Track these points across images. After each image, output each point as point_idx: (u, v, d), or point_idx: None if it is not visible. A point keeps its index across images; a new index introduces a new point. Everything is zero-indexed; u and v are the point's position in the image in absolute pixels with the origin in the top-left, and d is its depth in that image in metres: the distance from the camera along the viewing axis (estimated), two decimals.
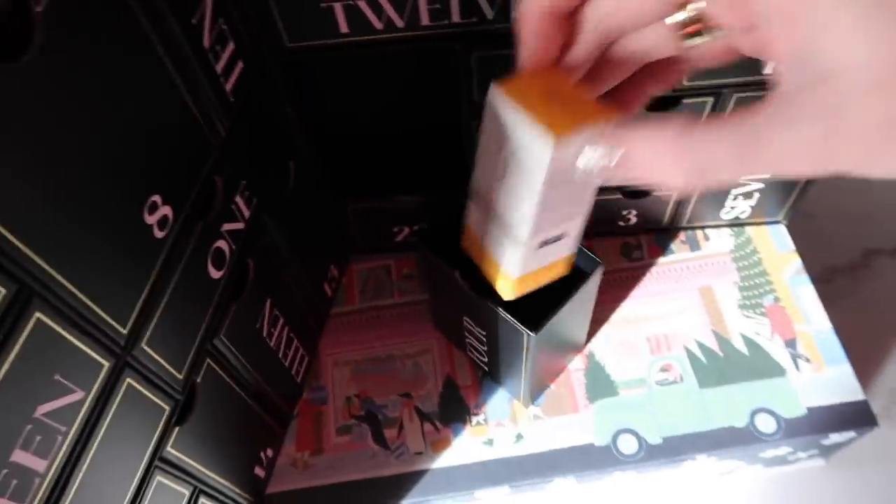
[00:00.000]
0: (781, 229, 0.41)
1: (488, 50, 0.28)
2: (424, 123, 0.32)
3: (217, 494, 0.30)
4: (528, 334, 0.28)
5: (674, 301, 0.39)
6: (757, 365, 0.37)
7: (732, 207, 0.40)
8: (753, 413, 0.35)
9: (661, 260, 0.41)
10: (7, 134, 0.15)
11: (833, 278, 0.46)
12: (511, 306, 0.29)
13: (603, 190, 0.37)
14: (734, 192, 0.38)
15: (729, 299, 0.39)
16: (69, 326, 0.19)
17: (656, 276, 0.40)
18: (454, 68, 0.29)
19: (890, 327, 0.44)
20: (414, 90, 0.31)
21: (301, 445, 0.36)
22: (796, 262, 0.40)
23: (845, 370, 0.36)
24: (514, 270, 0.24)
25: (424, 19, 0.27)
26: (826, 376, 0.36)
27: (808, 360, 0.37)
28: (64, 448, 0.19)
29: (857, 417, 0.35)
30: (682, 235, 0.41)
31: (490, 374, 0.37)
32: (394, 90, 0.31)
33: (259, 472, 0.34)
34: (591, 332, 0.38)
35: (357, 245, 0.42)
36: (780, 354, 0.37)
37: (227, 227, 0.27)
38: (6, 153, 0.16)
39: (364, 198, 0.37)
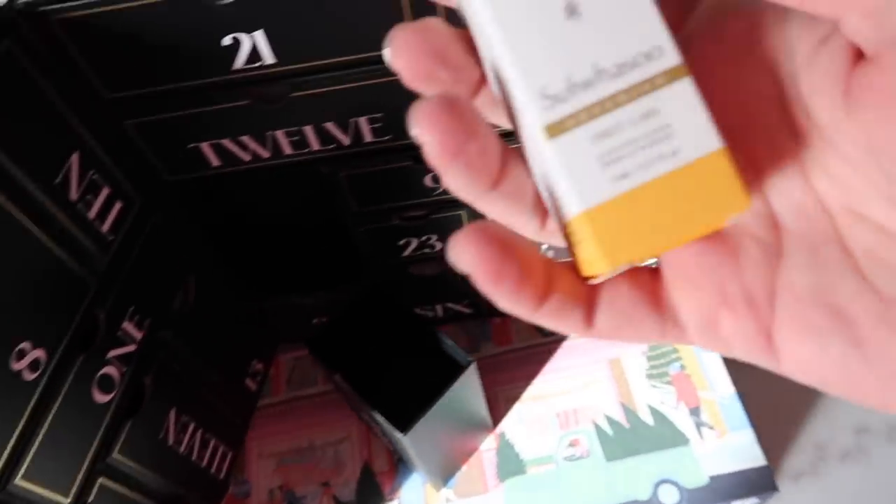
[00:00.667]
0: None
1: (354, 168, 0.31)
2: (317, 225, 0.35)
3: None
4: (400, 435, 0.30)
5: (583, 375, 0.41)
6: (662, 435, 0.38)
7: None
8: (657, 484, 0.36)
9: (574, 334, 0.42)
10: None
11: None
12: (387, 403, 0.30)
13: None
14: None
15: (636, 370, 0.40)
16: None
17: (568, 350, 0.42)
18: (328, 185, 0.32)
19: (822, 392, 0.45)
20: (298, 202, 0.33)
21: None
22: None
23: (748, 436, 0.37)
24: (569, 192, 0.14)
25: (287, 150, 0.29)
26: (729, 443, 0.37)
27: (711, 428, 0.38)
28: None
29: (758, 484, 0.36)
30: None
31: (403, 459, 0.38)
32: (280, 202, 0.33)
33: None
34: (503, 411, 0.40)
35: (284, 335, 0.44)
36: (685, 423, 0.38)
37: (114, 353, 0.29)
38: None
39: (275, 295, 0.40)
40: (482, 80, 0.15)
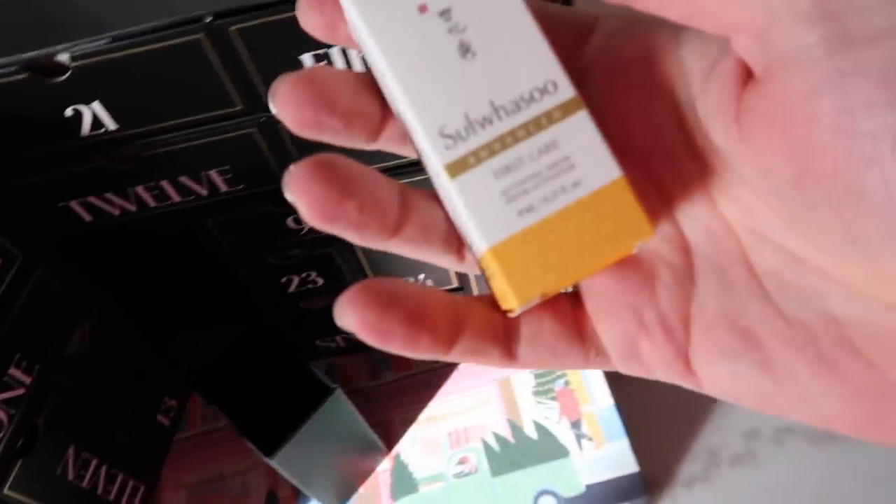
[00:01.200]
0: None
1: (220, 215, 0.33)
2: (204, 267, 0.37)
3: None
4: (269, 459, 0.32)
5: (475, 395, 0.43)
6: (545, 448, 0.40)
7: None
8: (537, 496, 0.38)
9: None
10: None
11: None
12: (259, 430, 0.33)
13: None
14: None
15: (524, 388, 0.43)
16: None
17: (462, 373, 0.44)
18: (199, 232, 0.34)
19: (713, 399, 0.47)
20: (178, 248, 0.36)
21: None
22: None
23: (623, 445, 0.39)
24: (475, 229, 0.14)
25: (151, 203, 0.32)
26: (605, 452, 0.39)
27: (590, 439, 0.40)
28: None
29: (629, 489, 0.38)
30: None
31: None
32: (161, 250, 0.36)
33: None
34: (399, 433, 0.42)
35: (194, 372, 0.46)
36: (566, 436, 0.40)
37: (0, 396, 0.32)
38: None
39: (178, 334, 0.42)
40: (385, 118, 0.15)
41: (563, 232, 0.14)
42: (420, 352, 0.14)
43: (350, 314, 0.14)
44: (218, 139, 0.29)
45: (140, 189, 0.31)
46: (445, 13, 0.14)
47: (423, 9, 0.14)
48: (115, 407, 0.39)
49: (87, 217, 0.32)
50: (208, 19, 0.25)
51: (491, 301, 0.15)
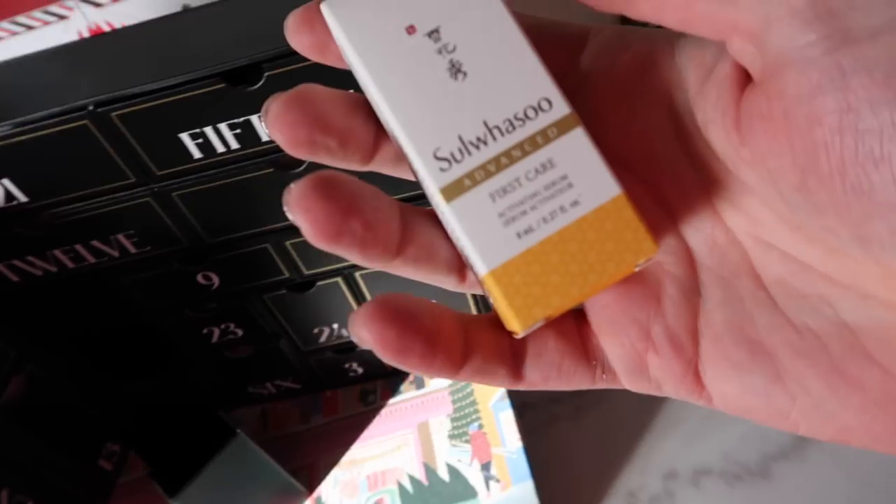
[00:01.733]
0: None
1: (133, 274, 0.37)
2: (125, 322, 0.41)
3: None
4: (172, 499, 0.35)
5: (395, 439, 0.45)
6: (456, 490, 0.42)
7: None
8: None
9: (391, 401, 0.47)
10: None
11: (586, 393, 0.51)
12: (168, 474, 0.35)
13: (316, 352, 0.44)
14: None
15: (441, 432, 0.44)
16: None
17: (385, 417, 0.46)
18: (117, 289, 0.38)
19: (627, 435, 0.48)
20: (103, 304, 0.39)
21: None
22: (501, 389, 0.45)
23: (528, 487, 0.41)
24: (474, 253, 0.14)
25: (69, 264, 0.36)
26: (511, 494, 0.41)
27: (497, 481, 0.42)
28: None
29: None
30: (411, 376, 0.48)
31: None
32: (88, 306, 0.39)
33: None
34: (322, 476, 0.44)
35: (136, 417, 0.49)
36: (476, 478, 0.42)
37: None
38: None
39: (116, 382, 0.45)
40: (378, 139, 0.15)
41: (564, 252, 0.14)
42: (433, 370, 0.14)
43: (367, 330, 0.14)
44: (118, 207, 0.33)
45: (58, 252, 0.35)
46: (434, 33, 0.14)
47: (410, 29, 0.14)
48: (51, 451, 0.42)
49: (15, 278, 0.36)
50: (91, 107, 0.29)
51: (498, 321, 0.15)
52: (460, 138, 0.14)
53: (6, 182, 0.31)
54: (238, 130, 0.30)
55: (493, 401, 0.45)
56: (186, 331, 0.41)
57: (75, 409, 0.45)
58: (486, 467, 0.42)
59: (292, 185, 0.13)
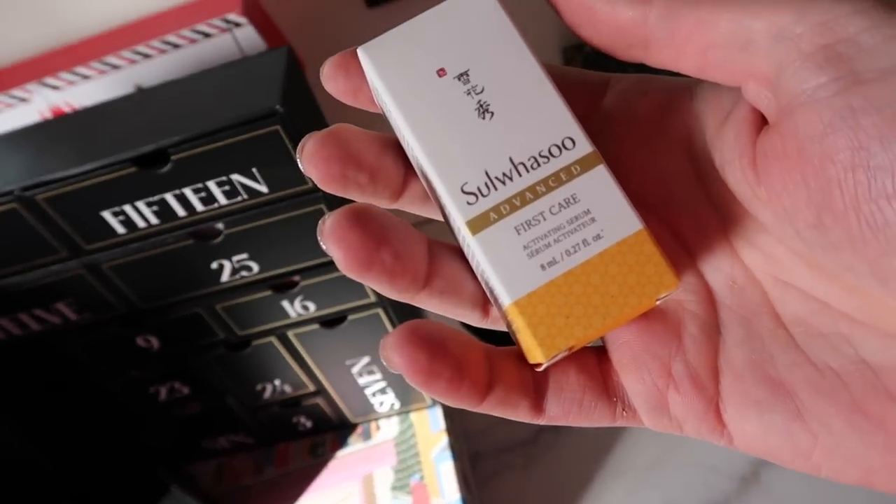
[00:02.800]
0: (438, 411, 0.48)
1: (77, 340, 0.39)
2: (74, 385, 0.43)
3: None
4: None
5: (340, 491, 0.46)
6: None
7: (381, 403, 0.47)
8: None
9: (339, 453, 0.48)
10: None
11: (536, 441, 0.52)
12: None
13: (263, 407, 0.46)
14: (368, 390, 0.46)
15: (384, 483, 0.46)
16: None
17: (332, 469, 0.47)
18: (63, 354, 0.40)
19: (575, 484, 0.49)
20: (54, 370, 0.41)
21: None
22: (444, 440, 0.46)
23: None
24: (498, 284, 0.15)
25: (15, 331, 0.38)
26: None
27: None
28: None
29: None
30: (360, 429, 0.49)
31: None
32: (38, 371, 0.41)
33: None
34: None
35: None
36: None
37: None
38: None
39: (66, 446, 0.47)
40: (407, 178, 0.16)
41: (586, 285, 0.14)
42: (458, 397, 0.14)
43: (399, 355, 0.14)
44: (55, 279, 0.35)
45: (4, 321, 0.37)
46: (463, 76, 0.15)
47: (441, 72, 0.15)
48: None
49: None
50: (16, 192, 0.31)
51: (520, 354, 0.15)
52: (487, 174, 0.15)
53: None
54: (155, 207, 0.33)
55: (435, 452, 0.46)
56: (134, 391, 0.43)
57: (32, 468, 0.47)
58: None
59: (327, 217, 0.14)
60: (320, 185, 0.15)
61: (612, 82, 0.17)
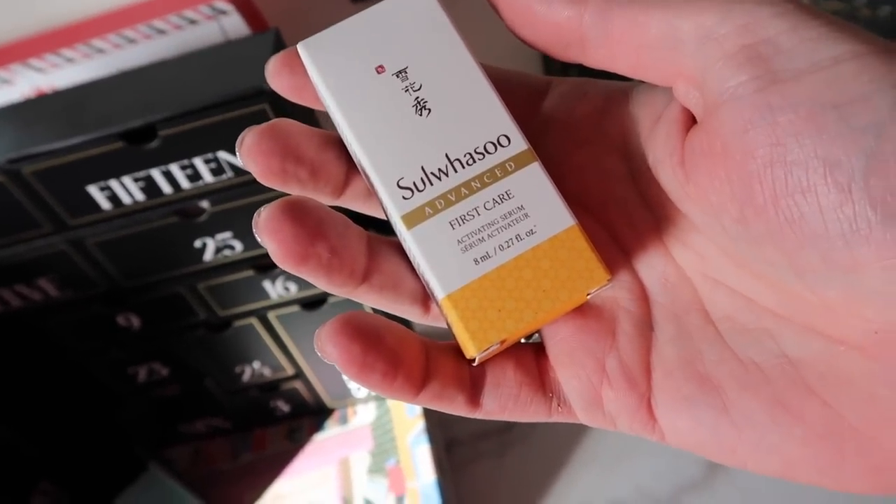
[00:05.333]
0: None
1: (57, 317, 0.39)
2: (54, 364, 0.43)
3: None
4: None
5: (317, 474, 0.47)
6: None
7: (358, 388, 0.48)
8: None
9: (317, 437, 0.49)
10: None
11: (509, 431, 0.53)
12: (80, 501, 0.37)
13: (242, 391, 0.46)
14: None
15: (360, 466, 0.46)
16: None
17: (309, 453, 0.48)
18: (43, 332, 0.40)
19: (547, 470, 0.50)
20: (28, 348, 0.42)
21: None
22: (420, 425, 0.47)
23: None
24: (432, 277, 0.15)
25: None
26: None
27: None
28: None
29: None
30: (337, 413, 0.50)
31: None
32: (20, 348, 0.42)
33: None
34: None
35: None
36: None
37: None
38: None
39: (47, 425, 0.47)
40: (349, 174, 0.16)
41: (519, 279, 0.14)
42: (392, 391, 0.14)
43: (333, 346, 0.14)
44: (38, 255, 0.36)
45: None
46: (402, 73, 0.15)
47: (380, 69, 0.15)
48: None
49: None
50: (3, 165, 0.32)
51: (458, 348, 0.15)
52: (423, 169, 0.15)
53: None
54: (142, 183, 0.33)
55: (411, 436, 0.47)
56: (113, 371, 0.43)
57: (7, 446, 0.47)
58: (400, 500, 0.44)
59: (262, 209, 0.14)
60: (260, 180, 0.15)
61: (553, 85, 0.17)
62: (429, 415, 0.49)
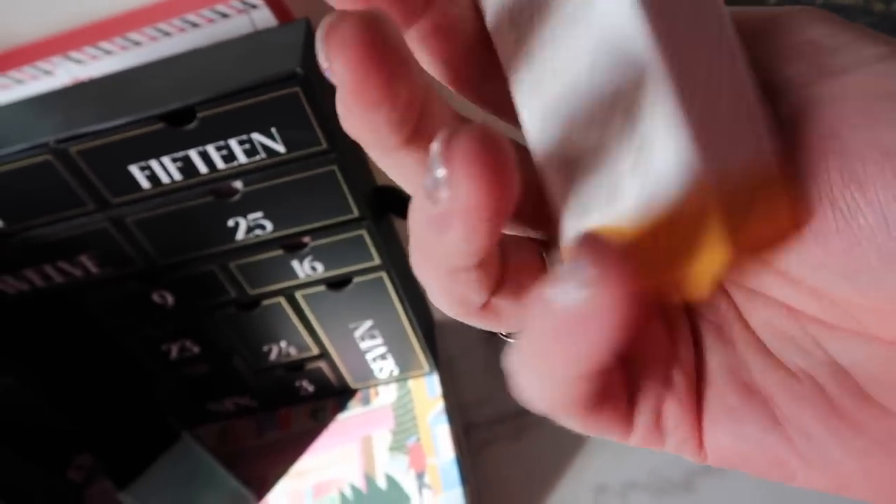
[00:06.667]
0: (435, 378, 0.50)
1: (96, 293, 0.41)
2: (92, 341, 0.45)
3: None
4: (121, 492, 0.38)
5: (339, 452, 0.48)
6: (392, 497, 0.45)
7: (381, 369, 0.50)
8: None
9: (340, 417, 0.50)
10: None
11: (525, 416, 0.54)
12: (115, 469, 0.39)
13: (268, 370, 0.48)
14: (369, 355, 0.48)
15: (382, 444, 0.48)
16: None
17: (332, 432, 0.50)
18: (82, 308, 0.42)
19: (563, 453, 0.51)
20: (67, 323, 0.44)
21: None
22: (440, 405, 0.49)
23: (457, 493, 0.44)
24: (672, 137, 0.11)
25: (40, 283, 0.40)
26: (442, 500, 0.44)
27: (430, 488, 0.45)
28: None
29: None
30: (359, 394, 0.51)
31: None
32: (59, 323, 0.44)
33: None
34: (271, 485, 0.48)
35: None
36: (411, 486, 0.45)
37: None
38: None
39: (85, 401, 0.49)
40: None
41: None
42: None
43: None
44: (81, 232, 0.38)
45: (30, 272, 0.40)
46: None
47: None
48: (20, 461, 0.46)
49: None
50: (52, 144, 0.34)
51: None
52: None
53: None
54: (180, 163, 0.35)
55: (431, 416, 0.48)
56: (147, 348, 0.45)
57: (45, 420, 0.49)
58: (420, 476, 0.45)
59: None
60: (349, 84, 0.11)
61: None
62: (448, 397, 0.50)
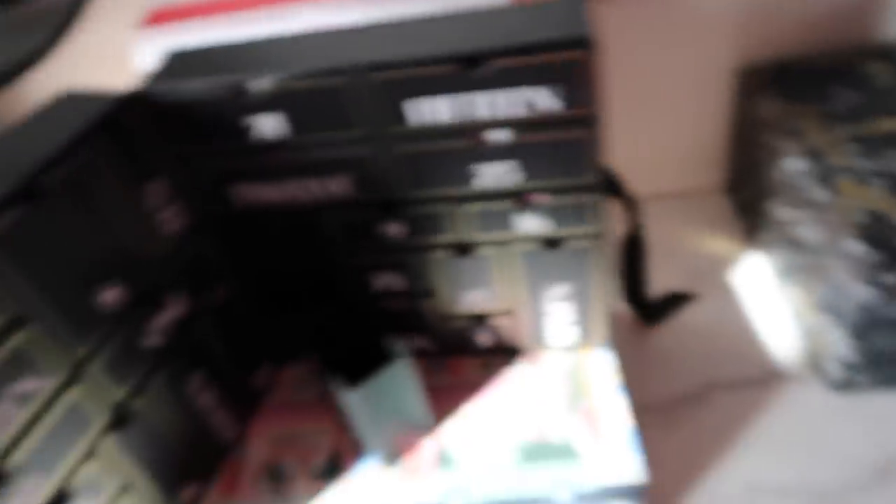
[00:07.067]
0: (611, 354, 0.53)
1: (335, 214, 0.46)
2: (316, 262, 0.49)
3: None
4: (347, 392, 0.42)
5: (509, 405, 0.51)
6: (565, 451, 0.47)
7: (561, 334, 0.52)
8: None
9: (511, 374, 0.53)
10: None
11: (675, 408, 0.56)
12: (342, 375, 0.43)
13: (454, 317, 0.51)
14: (555, 319, 0.51)
15: (555, 405, 0.50)
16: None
17: (503, 387, 0.52)
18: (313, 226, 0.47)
19: (723, 452, 0.52)
20: (293, 238, 0.48)
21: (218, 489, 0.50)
22: (615, 379, 0.51)
23: (634, 457, 0.46)
24: None
25: (302, 196, 0.45)
26: (615, 457, 0.46)
27: (603, 450, 0.47)
28: None
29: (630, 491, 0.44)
30: (533, 356, 0.54)
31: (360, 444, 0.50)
32: (283, 237, 0.48)
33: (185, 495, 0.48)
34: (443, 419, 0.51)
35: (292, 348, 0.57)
36: (585, 441, 0.47)
37: (162, 319, 0.44)
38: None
39: (285, 314, 0.54)
40: None
41: None
42: None
43: None
44: (347, 156, 0.42)
45: (293, 185, 0.44)
46: None
47: None
48: (229, 357, 0.51)
49: (240, 204, 0.46)
50: (352, 70, 0.38)
51: None
52: None
53: (280, 118, 0.41)
54: (455, 107, 0.39)
55: (606, 388, 0.50)
56: (353, 274, 0.49)
57: (250, 329, 0.54)
58: (595, 434, 0.48)
59: None
60: None
61: None
62: (621, 374, 0.52)
